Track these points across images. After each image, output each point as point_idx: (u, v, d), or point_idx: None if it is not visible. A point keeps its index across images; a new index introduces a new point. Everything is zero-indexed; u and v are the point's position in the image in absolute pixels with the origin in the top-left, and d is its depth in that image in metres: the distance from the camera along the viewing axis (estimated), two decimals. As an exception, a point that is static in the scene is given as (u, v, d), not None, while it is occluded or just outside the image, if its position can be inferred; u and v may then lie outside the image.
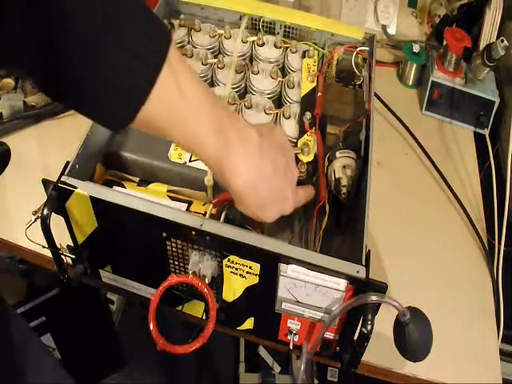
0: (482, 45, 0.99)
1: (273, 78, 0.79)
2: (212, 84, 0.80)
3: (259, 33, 0.84)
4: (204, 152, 0.50)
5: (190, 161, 0.71)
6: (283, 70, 0.83)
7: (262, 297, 0.63)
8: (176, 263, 0.65)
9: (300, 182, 0.69)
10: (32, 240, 0.64)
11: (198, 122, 0.48)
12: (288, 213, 0.60)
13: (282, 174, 0.56)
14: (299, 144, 0.71)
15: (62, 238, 0.67)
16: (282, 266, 0.58)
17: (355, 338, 0.61)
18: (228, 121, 0.51)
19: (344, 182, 0.69)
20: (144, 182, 0.72)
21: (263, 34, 0.84)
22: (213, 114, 0.49)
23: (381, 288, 0.56)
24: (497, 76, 0.99)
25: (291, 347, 0.66)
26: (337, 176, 0.70)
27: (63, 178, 0.61)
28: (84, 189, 0.60)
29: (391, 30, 1.10)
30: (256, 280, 0.61)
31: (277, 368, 1.44)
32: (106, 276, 0.73)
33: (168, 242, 0.62)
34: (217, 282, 0.63)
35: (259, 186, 0.54)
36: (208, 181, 0.69)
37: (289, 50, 0.83)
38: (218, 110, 0.50)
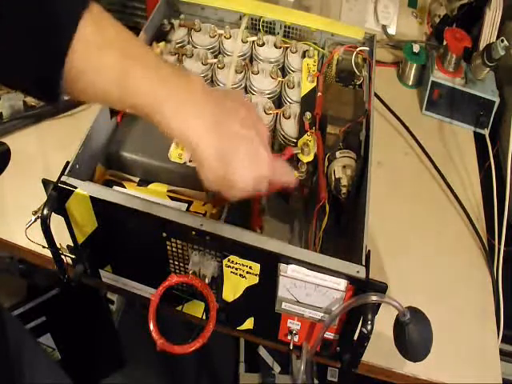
0: (482, 45, 0.99)
1: (273, 77, 0.79)
2: (212, 84, 0.80)
3: (259, 33, 0.84)
4: (144, 99, 0.47)
5: (190, 161, 0.71)
6: (283, 70, 0.83)
7: (262, 297, 0.63)
8: (176, 263, 0.65)
9: (300, 182, 0.69)
10: (32, 240, 0.64)
11: (129, 73, 0.46)
12: (266, 178, 0.54)
13: (240, 119, 0.52)
14: (299, 144, 0.71)
15: (62, 238, 0.67)
16: (282, 266, 0.58)
17: (355, 337, 0.61)
18: (162, 63, 0.49)
19: (344, 181, 0.69)
20: (144, 182, 0.72)
21: (263, 34, 0.84)
22: (143, 61, 0.47)
23: (381, 288, 0.56)
24: (497, 76, 0.99)
25: (291, 347, 0.66)
26: (337, 176, 0.70)
27: (63, 178, 0.61)
28: (84, 189, 0.60)
29: (391, 30, 1.10)
30: (256, 280, 0.61)
31: (277, 368, 1.44)
32: (106, 276, 0.73)
33: (168, 242, 0.62)
34: (217, 282, 0.63)
35: (216, 130, 0.50)
36: (208, 181, 0.69)
37: (289, 50, 0.83)
38: (149, 57, 0.48)
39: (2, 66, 0.44)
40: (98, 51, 0.45)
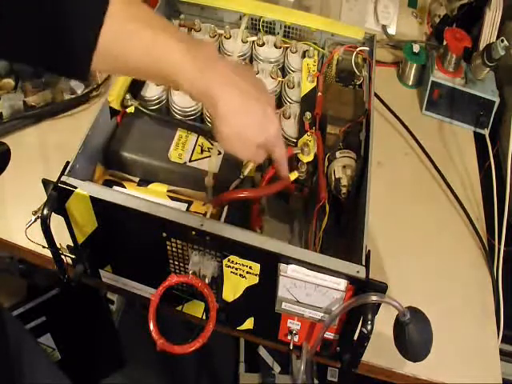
0: (482, 45, 0.99)
1: (273, 78, 0.79)
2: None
3: (259, 33, 0.84)
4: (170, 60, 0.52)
5: (189, 161, 0.71)
6: (283, 70, 0.83)
7: (261, 297, 0.63)
8: (176, 263, 0.65)
9: (300, 182, 0.69)
10: (32, 240, 0.64)
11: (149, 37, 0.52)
12: (274, 139, 0.59)
13: (253, 83, 0.58)
14: (299, 144, 0.71)
15: (62, 238, 0.67)
16: (282, 266, 0.58)
17: (355, 337, 0.61)
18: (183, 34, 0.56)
19: (344, 181, 0.69)
20: (144, 182, 0.72)
21: (263, 34, 0.84)
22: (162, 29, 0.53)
23: (381, 288, 0.56)
24: (497, 76, 0.99)
25: (291, 347, 0.66)
26: (337, 176, 0.70)
27: (63, 178, 0.61)
28: (84, 189, 0.60)
29: (391, 30, 1.10)
30: (256, 280, 0.61)
31: (277, 368, 1.44)
32: (106, 276, 0.73)
33: (168, 242, 0.62)
34: (217, 282, 0.63)
35: (235, 89, 0.55)
36: (208, 181, 0.69)
37: (289, 50, 0.83)
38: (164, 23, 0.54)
39: (42, 48, 0.48)
40: (127, 24, 0.50)
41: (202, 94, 0.55)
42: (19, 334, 0.75)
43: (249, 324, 0.68)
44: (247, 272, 0.60)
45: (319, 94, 0.77)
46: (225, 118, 0.56)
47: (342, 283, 0.57)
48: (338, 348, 0.66)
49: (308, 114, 0.74)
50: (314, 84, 0.78)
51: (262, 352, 1.46)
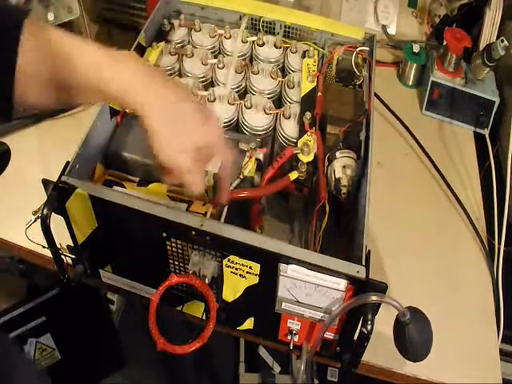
0: (482, 45, 0.99)
1: (273, 78, 0.79)
2: (212, 84, 0.80)
3: (259, 33, 0.84)
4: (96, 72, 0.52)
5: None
6: (283, 70, 0.83)
7: (262, 297, 0.63)
8: (176, 263, 0.65)
9: (300, 182, 0.69)
10: (32, 240, 0.64)
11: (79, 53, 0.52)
12: (216, 137, 0.56)
13: (173, 83, 0.58)
14: (299, 144, 0.71)
15: (62, 238, 0.67)
16: (282, 266, 0.58)
17: (355, 337, 0.61)
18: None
19: (344, 181, 0.69)
20: (144, 182, 0.72)
21: (263, 34, 0.84)
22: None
23: (381, 288, 0.56)
24: (497, 76, 0.99)
25: (291, 347, 0.66)
26: (337, 176, 0.70)
27: (63, 178, 0.61)
28: (84, 189, 0.60)
29: (391, 30, 1.10)
30: (256, 280, 0.61)
31: (277, 368, 1.44)
32: (106, 276, 0.73)
33: (168, 242, 0.62)
34: (217, 282, 0.63)
35: (159, 95, 0.53)
36: (208, 181, 0.69)
37: (289, 50, 0.83)
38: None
39: None
40: (43, 48, 0.49)
41: (121, 99, 0.53)
42: (5, 343, 0.75)
43: (249, 324, 0.68)
44: (247, 272, 0.60)
45: (319, 93, 0.77)
46: (156, 130, 0.53)
47: (342, 283, 0.57)
48: (337, 348, 0.66)
49: (308, 114, 0.74)
50: (314, 84, 0.78)
51: (262, 352, 1.46)
